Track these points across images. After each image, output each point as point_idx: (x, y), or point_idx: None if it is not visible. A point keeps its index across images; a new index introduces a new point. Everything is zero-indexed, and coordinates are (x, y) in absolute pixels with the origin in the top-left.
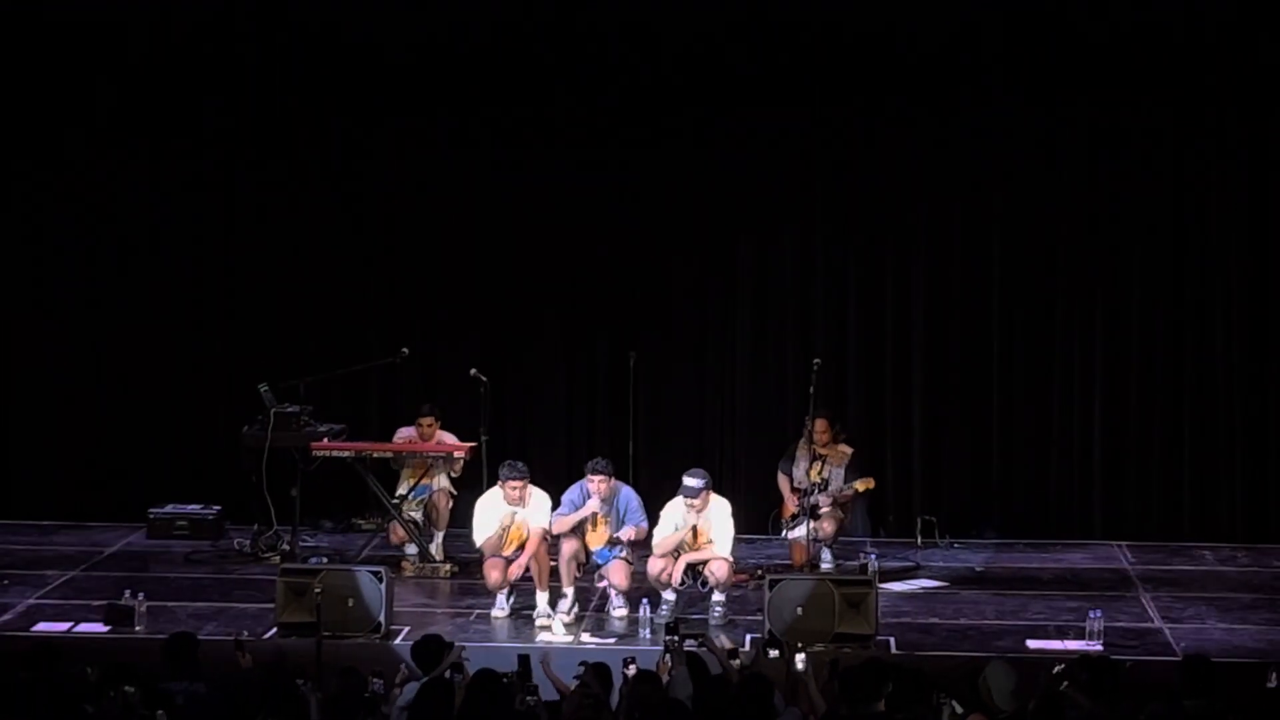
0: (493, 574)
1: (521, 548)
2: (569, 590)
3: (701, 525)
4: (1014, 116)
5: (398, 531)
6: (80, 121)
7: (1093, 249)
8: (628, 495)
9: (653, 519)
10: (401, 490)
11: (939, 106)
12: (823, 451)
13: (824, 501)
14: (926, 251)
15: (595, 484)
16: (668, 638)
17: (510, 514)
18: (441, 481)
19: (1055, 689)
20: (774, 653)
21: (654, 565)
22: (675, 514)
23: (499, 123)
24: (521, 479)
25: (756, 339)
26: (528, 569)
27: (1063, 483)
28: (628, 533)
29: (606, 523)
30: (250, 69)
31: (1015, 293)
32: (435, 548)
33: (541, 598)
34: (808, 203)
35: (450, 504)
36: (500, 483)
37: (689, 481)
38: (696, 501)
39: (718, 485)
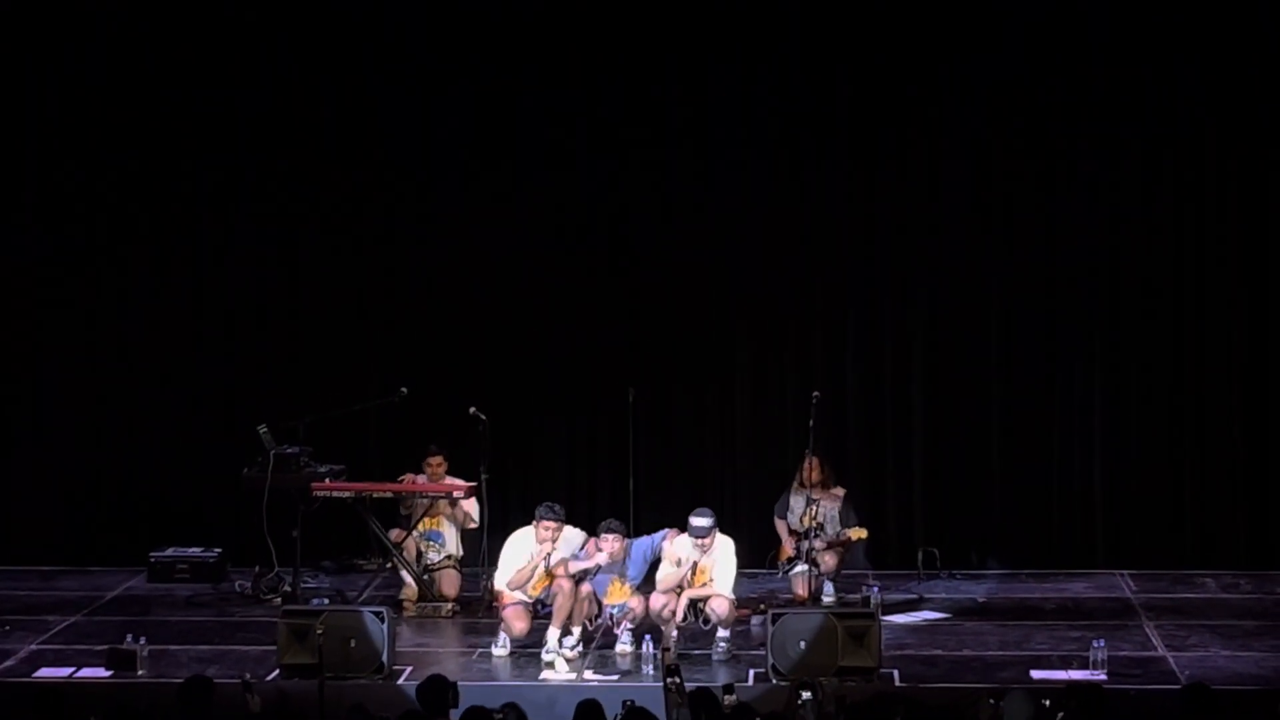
0: (517, 624)
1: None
2: (575, 629)
3: (705, 563)
4: (1011, 145)
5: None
6: (78, 166)
7: (1092, 278)
8: (635, 549)
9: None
10: (415, 534)
11: (934, 138)
12: (815, 495)
13: (819, 547)
14: (924, 283)
15: (607, 544)
16: (669, 679)
17: (545, 555)
18: (450, 541)
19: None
20: (806, 695)
21: (656, 601)
22: (677, 551)
23: (495, 161)
24: (556, 520)
25: (755, 374)
26: (549, 604)
27: (1064, 512)
28: (632, 608)
29: (622, 582)
30: (244, 110)
31: (1014, 321)
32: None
33: (552, 634)
34: (805, 236)
35: (459, 583)
36: (535, 522)
37: (696, 521)
38: (705, 540)
39: (719, 521)
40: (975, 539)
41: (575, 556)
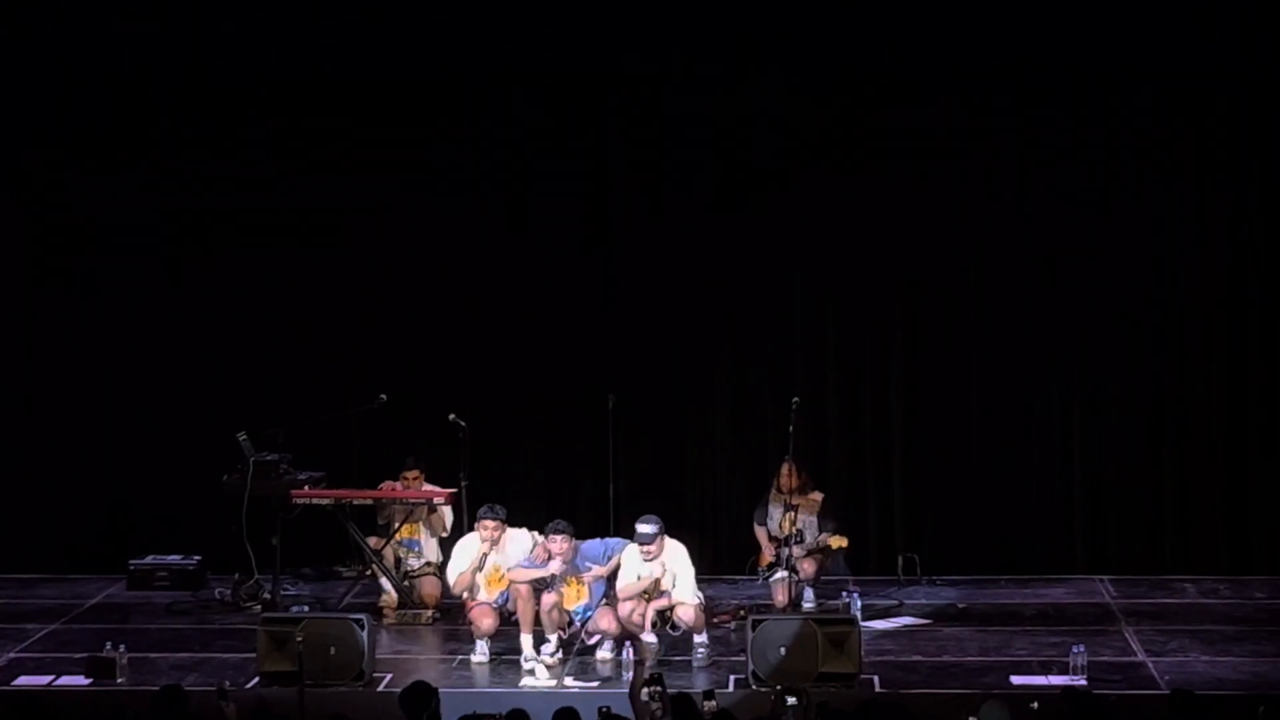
0: (484, 621)
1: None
2: (552, 636)
3: (656, 572)
4: (992, 148)
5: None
6: (63, 173)
7: (1070, 283)
8: (585, 551)
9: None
10: (395, 542)
11: (912, 144)
12: (794, 501)
13: (799, 554)
14: (904, 289)
15: (555, 545)
16: (650, 688)
17: (483, 554)
18: (429, 549)
19: None
20: (792, 700)
21: (623, 609)
22: (635, 560)
23: (476, 169)
24: (496, 520)
25: (735, 381)
26: (514, 612)
27: (1044, 517)
28: (595, 572)
29: (577, 582)
30: (227, 116)
31: (993, 328)
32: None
33: (526, 641)
34: (786, 244)
35: (439, 590)
36: (477, 522)
37: (642, 528)
38: (652, 548)
39: (700, 527)
40: (955, 545)
41: (527, 561)
